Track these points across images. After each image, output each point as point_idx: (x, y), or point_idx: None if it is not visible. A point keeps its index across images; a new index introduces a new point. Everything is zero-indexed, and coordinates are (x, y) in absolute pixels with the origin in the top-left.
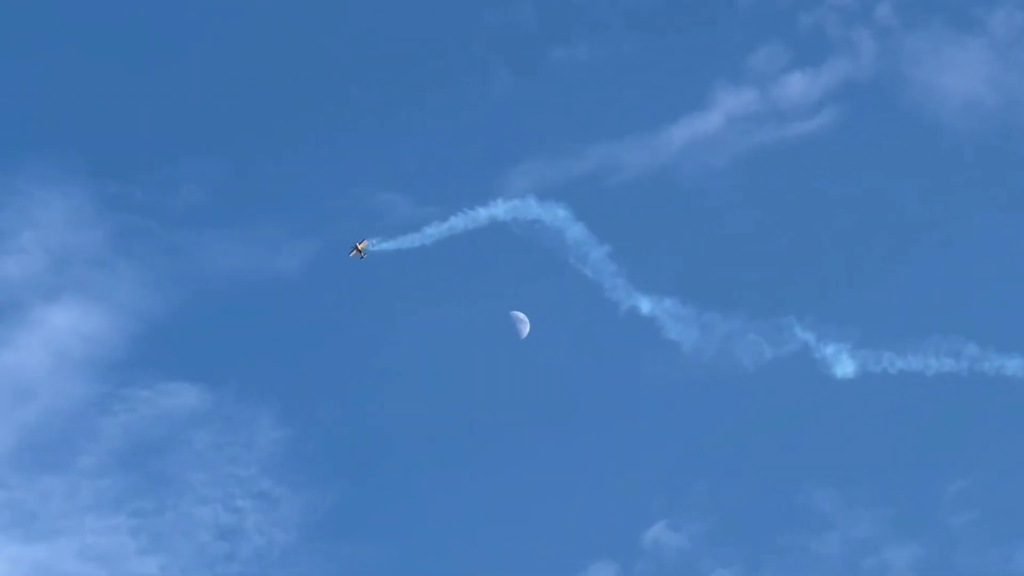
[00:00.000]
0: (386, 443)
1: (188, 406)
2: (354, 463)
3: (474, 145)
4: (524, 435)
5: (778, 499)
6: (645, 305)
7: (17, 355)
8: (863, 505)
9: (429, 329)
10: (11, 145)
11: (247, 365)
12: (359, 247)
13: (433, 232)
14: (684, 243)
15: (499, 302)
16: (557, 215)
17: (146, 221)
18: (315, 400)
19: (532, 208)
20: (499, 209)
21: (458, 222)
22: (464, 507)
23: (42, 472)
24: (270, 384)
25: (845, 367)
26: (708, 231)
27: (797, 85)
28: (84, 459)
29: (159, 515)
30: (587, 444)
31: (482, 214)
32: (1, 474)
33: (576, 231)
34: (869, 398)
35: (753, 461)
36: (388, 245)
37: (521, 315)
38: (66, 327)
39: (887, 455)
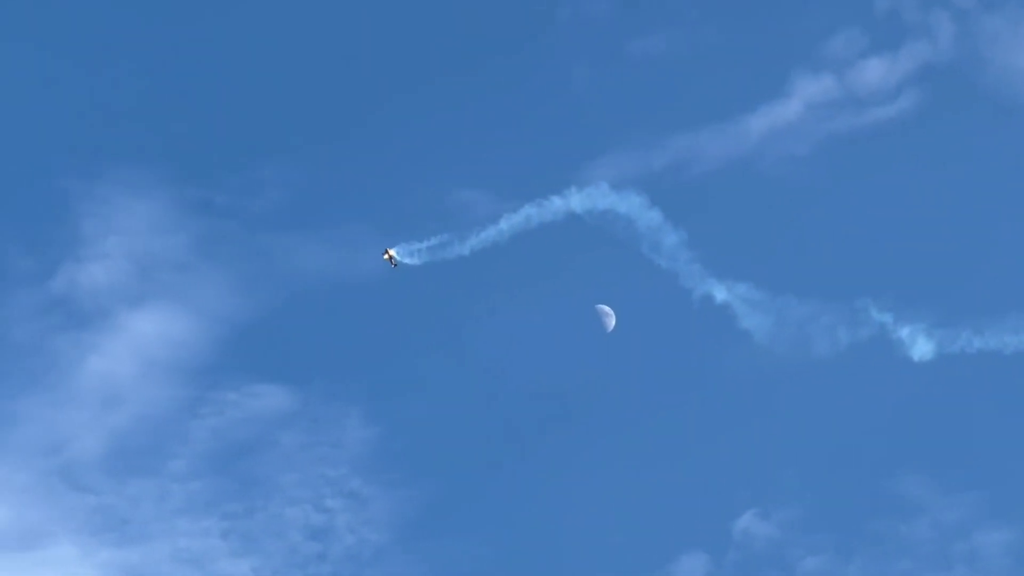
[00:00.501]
0: (474, 439)
1: (276, 407)
2: (443, 460)
3: (553, 140)
4: (611, 428)
5: (867, 485)
6: (723, 293)
7: (105, 362)
8: (954, 489)
9: (514, 324)
10: (93, 153)
11: (333, 365)
12: (390, 254)
13: (507, 227)
14: (765, 232)
15: (582, 296)
16: (635, 206)
17: (229, 225)
18: (402, 398)
19: (611, 200)
20: (576, 202)
21: (535, 216)
22: (553, 501)
23: (133, 477)
24: (357, 383)
25: (923, 349)
26: (789, 219)
27: (875, 70)
28: (174, 463)
29: (249, 517)
30: (674, 435)
31: (560, 207)
32: (92, 480)
33: (655, 222)
34: (949, 379)
35: (839, 447)
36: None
37: (607, 308)
38: (152, 332)
39: (975, 438)
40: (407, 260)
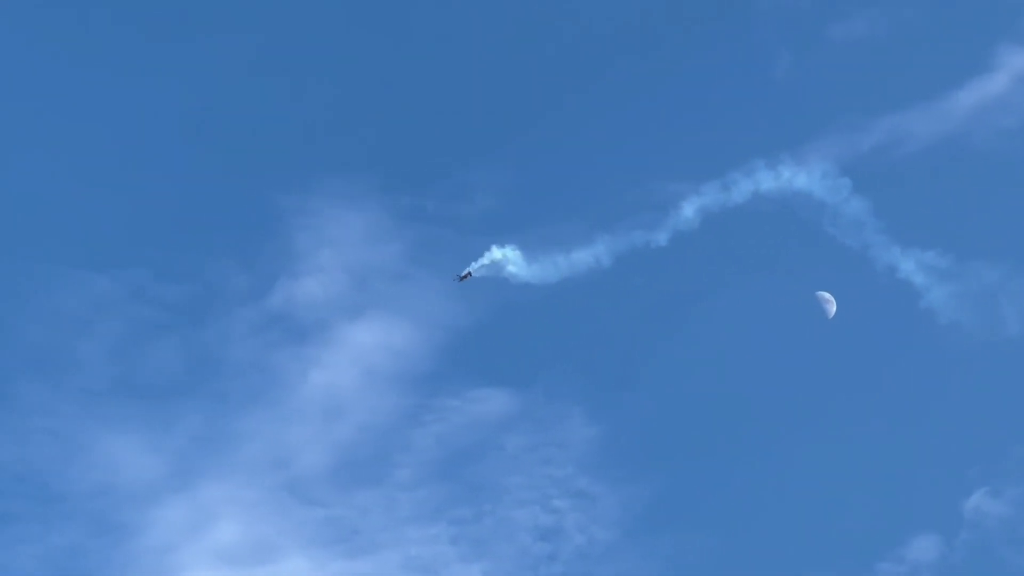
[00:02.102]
0: (699, 432)
1: (498, 411)
2: (669, 454)
3: (759, 128)
4: (834, 414)
5: None
6: (934, 275)
7: (326, 374)
8: None
9: (733, 313)
10: (305, 166)
11: (553, 365)
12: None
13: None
14: (979, 208)
15: (798, 283)
16: (846, 190)
17: (441, 231)
18: (624, 394)
19: (822, 185)
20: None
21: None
22: (781, 489)
23: (360, 488)
24: (578, 382)
25: None
26: (1002, 193)
27: None
28: (400, 472)
29: (478, 521)
30: (899, 417)
31: (769, 195)
32: (321, 493)
33: (866, 206)
34: None
35: None
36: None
37: (827, 295)
38: (372, 343)
39: None
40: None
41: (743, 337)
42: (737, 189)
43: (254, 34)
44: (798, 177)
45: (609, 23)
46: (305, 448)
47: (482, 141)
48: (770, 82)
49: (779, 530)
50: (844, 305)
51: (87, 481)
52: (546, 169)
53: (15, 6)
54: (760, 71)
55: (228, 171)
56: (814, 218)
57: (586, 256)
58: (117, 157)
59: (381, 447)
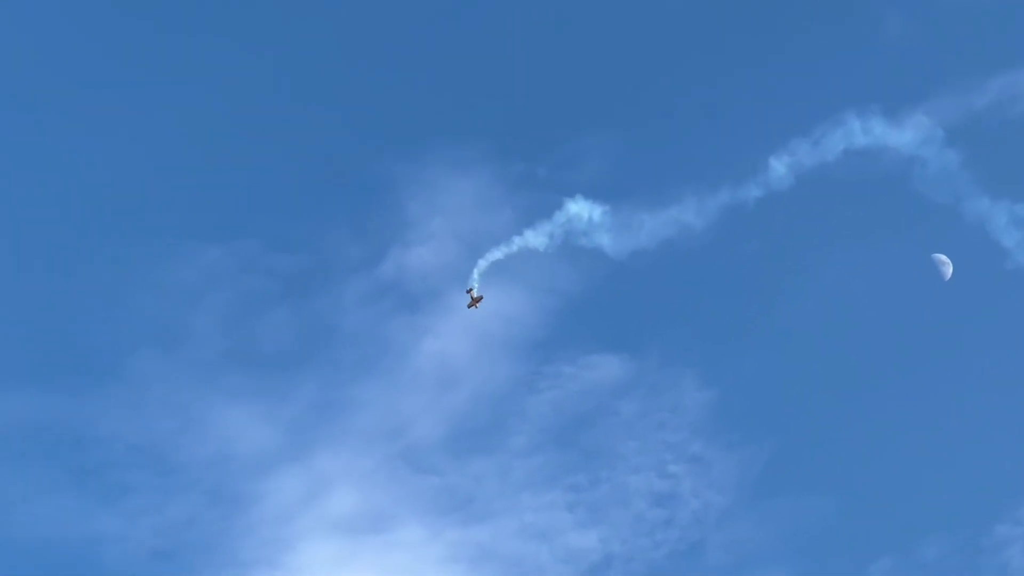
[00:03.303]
0: (812, 394)
1: (612, 377)
2: (783, 418)
3: (870, 90)
4: (950, 375)
5: None
6: None
7: (440, 343)
8: None
9: (845, 274)
10: (416, 135)
11: (666, 330)
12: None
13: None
14: None
15: (913, 244)
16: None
17: (552, 198)
18: (737, 358)
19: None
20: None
21: (859, 166)
22: (896, 452)
23: (475, 456)
24: (690, 346)
25: None
26: None
27: None
28: (515, 439)
29: (593, 488)
30: (1016, 378)
31: (884, 156)
32: (436, 461)
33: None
34: None
35: None
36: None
37: (943, 257)
38: (484, 310)
39: None
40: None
41: (854, 298)
42: (848, 147)
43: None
44: (908, 136)
45: None
46: (419, 417)
47: (594, 108)
48: (880, 42)
49: (895, 492)
50: (960, 268)
51: (203, 452)
52: (655, 134)
53: None
54: (870, 30)
55: (340, 140)
56: (921, 178)
57: (696, 219)
58: (229, 127)
59: (495, 415)
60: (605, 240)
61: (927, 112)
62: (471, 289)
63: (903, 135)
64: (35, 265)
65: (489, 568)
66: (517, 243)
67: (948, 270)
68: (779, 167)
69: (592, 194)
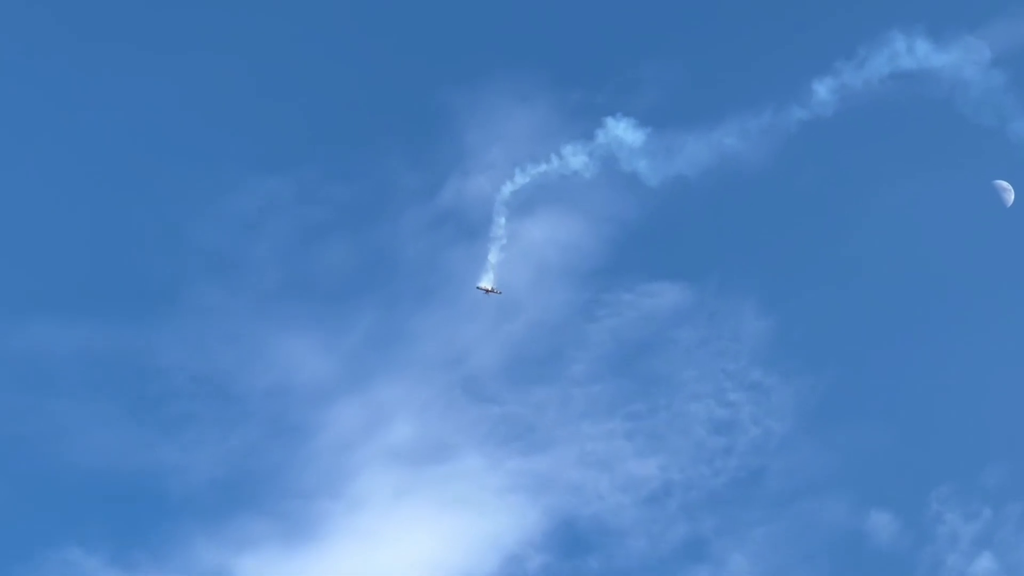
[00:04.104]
0: (872, 322)
1: (671, 305)
2: (842, 345)
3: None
4: (1009, 302)
5: None
6: None
7: (498, 271)
8: None
9: (904, 202)
10: (474, 63)
11: (725, 258)
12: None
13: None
14: None
15: (973, 171)
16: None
17: (609, 125)
18: (796, 286)
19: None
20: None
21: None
22: (956, 380)
23: (534, 384)
24: (750, 275)
25: None
26: None
27: None
28: (574, 367)
29: (653, 416)
30: None
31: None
32: (496, 390)
33: None
34: None
35: None
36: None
37: (1005, 184)
38: (543, 239)
39: None
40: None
41: (913, 224)
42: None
43: None
44: (953, 57)
45: None
46: (479, 346)
47: (654, 34)
48: None
49: (955, 419)
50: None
51: (263, 382)
52: (714, 62)
53: None
54: None
55: (398, 69)
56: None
57: (755, 146)
58: (288, 57)
59: (554, 343)
60: (663, 167)
61: (973, 34)
62: (489, 287)
63: (948, 56)
64: (95, 197)
65: (549, 497)
66: (572, 168)
67: (1010, 196)
68: (828, 90)
69: (649, 121)
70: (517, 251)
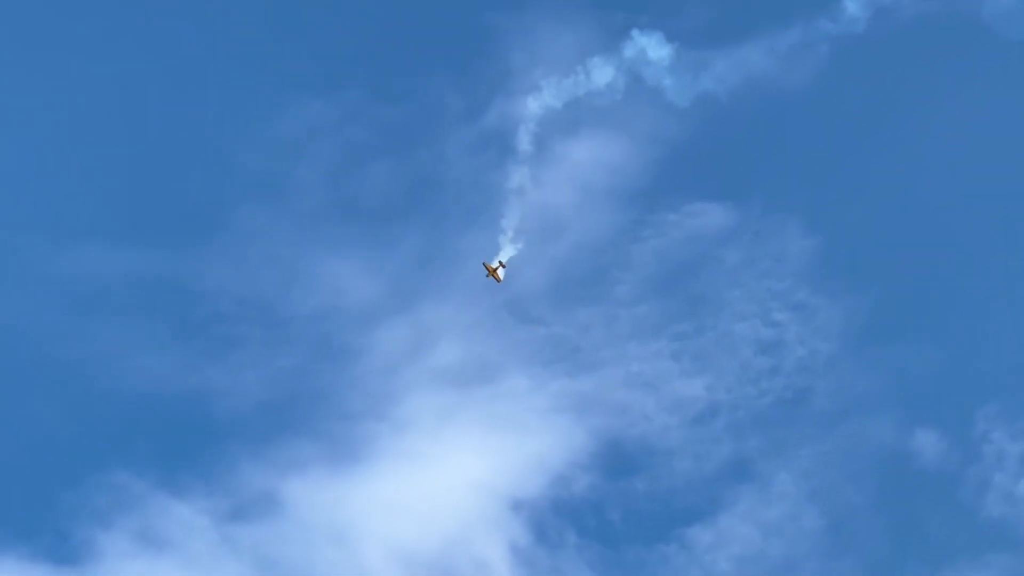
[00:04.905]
0: (919, 240)
1: (715, 225)
2: (889, 264)
3: None
4: None
5: None
6: None
7: (543, 193)
8: None
9: (952, 120)
10: None
11: (769, 177)
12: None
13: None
14: None
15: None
16: None
17: (652, 45)
18: (842, 204)
19: None
20: None
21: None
22: (1004, 298)
23: (580, 305)
24: (794, 193)
25: None
26: None
27: None
28: (619, 288)
29: (699, 336)
30: None
31: None
32: (541, 311)
33: None
34: None
35: None
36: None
37: None
38: (588, 160)
39: None
40: None
41: (961, 140)
42: None
43: None
44: None
45: None
46: (524, 267)
47: None
48: None
49: (1002, 338)
50: None
51: (309, 304)
52: None
53: None
54: None
55: None
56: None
57: (798, 64)
58: None
59: (599, 264)
60: (707, 86)
61: None
62: (497, 266)
63: None
64: (139, 119)
65: (594, 418)
66: (606, 86)
67: None
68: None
69: (693, 41)
70: (562, 172)
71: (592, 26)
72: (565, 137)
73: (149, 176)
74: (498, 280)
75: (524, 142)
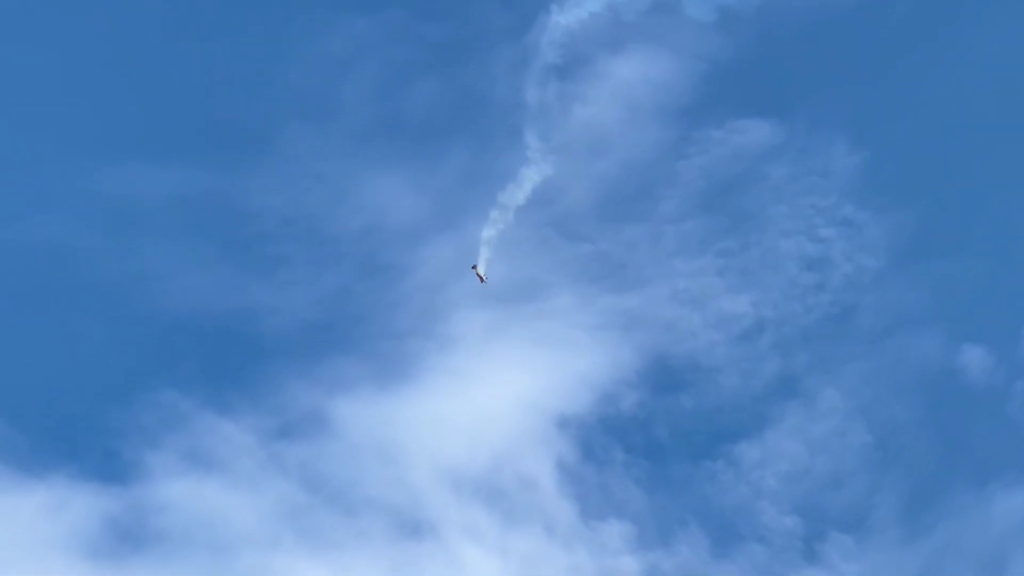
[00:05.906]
0: (965, 155)
1: (761, 141)
2: (935, 180)
3: None
4: None
5: None
6: None
7: (589, 110)
8: None
9: (994, 35)
10: None
11: (814, 94)
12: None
13: None
14: None
15: None
16: None
17: None
18: (887, 120)
19: None
20: None
21: None
22: None
23: (625, 222)
24: (840, 109)
25: None
26: None
27: None
28: (665, 205)
29: (744, 252)
30: None
31: None
32: (587, 229)
33: None
34: None
35: None
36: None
37: None
38: (633, 77)
39: None
40: None
41: (1012, 54)
42: None
43: None
44: None
45: None
46: (570, 184)
47: None
48: None
49: None
50: None
51: (355, 222)
52: None
53: None
54: None
55: None
56: None
57: None
58: None
59: (645, 181)
60: (749, 3)
61: None
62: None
63: None
64: (185, 39)
65: (641, 335)
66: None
67: None
68: None
69: None
70: (606, 89)
71: None
72: (611, 54)
73: (195, 95)
74: (481, 279)
75: (552, 57)
